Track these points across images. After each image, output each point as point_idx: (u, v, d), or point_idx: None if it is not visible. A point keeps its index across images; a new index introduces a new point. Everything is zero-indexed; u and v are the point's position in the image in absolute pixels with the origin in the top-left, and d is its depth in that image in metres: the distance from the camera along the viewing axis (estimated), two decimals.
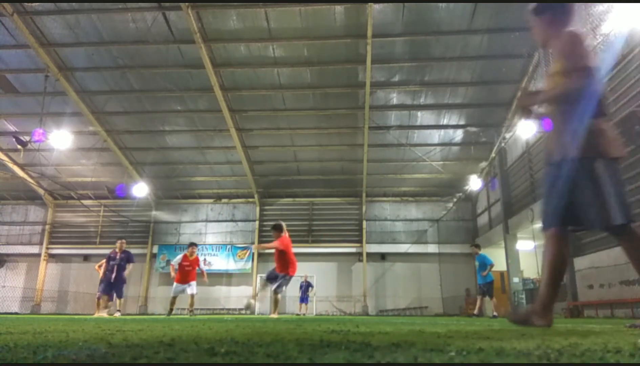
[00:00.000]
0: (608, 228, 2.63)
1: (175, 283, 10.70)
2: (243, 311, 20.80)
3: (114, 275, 10.79)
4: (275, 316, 8.38)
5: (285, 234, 9.08)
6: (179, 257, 10.84)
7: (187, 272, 10.71)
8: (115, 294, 10.94)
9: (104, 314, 10.37)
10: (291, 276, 8.75)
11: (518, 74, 15.52)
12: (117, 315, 10.58)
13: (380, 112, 17.37)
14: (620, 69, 10.10)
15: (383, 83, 16.22)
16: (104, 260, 12.57)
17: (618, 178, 2.60)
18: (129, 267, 11.40)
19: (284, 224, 9.48)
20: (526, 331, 2.23)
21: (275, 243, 8.75)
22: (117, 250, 11.16)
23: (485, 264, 11.12)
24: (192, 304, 11.00)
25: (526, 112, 3.00)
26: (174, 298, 10.67)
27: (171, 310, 10.66)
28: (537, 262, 16.30)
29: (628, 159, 9.87)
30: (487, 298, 11.42)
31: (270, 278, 8.65)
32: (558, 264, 2.75)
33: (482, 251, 12.13)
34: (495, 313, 11.26)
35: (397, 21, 13.85)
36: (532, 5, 3.04)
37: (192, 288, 10.86)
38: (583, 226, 2.77)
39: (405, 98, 16.91)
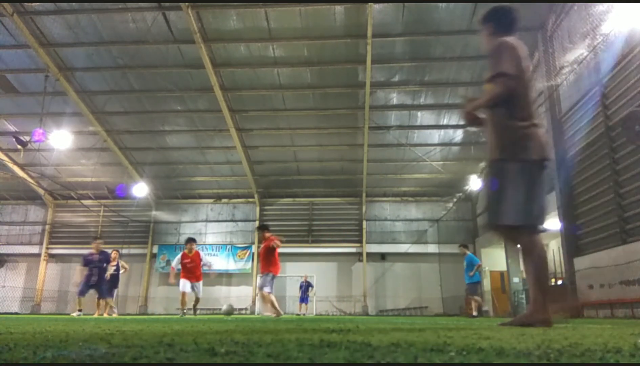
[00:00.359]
0: (494, 229, 2.80)
1: (182, 280, 10.16)
2: (243, 311, 20.80)
3: (95, 278, 10.58)
4: (274, 315, 8.68)
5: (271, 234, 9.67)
6: (178, 257, 10.38)
7: (191, 269, 10.23)
8: (100, 295, 10.81)
9: (74, 314, 10.12)
10: (275, 275, 9.24)
11: None
12: (114, 314, 10.40)
13: (380, 112, 17.37)
14: (620, 69, 10.09)
15: (383, 83, 16.22)
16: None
17: (528, 181, 2.69)
18: (113, 266, 11.43)
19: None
20: (526, 331, 2.23)
21: (276, 241, 9.30)
22: (93, 251, 10.83)
23: (472, 264, 11.24)
24: (197, 302, 10.75)
25: (469, 118, 3.08)
26: (184, 294, 10.12)
27: (185, 308, 10.23)
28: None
29: (628, 159, 9.87)
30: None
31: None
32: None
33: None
34: (474, 313, 11.33)
35: (397, 21, 13.85)
36: (481, 14, 3.24)
37: (199, 289, 10.47)
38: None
39: (405, 98, 16.91)
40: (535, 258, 2.74)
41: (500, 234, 2.87)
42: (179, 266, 10.25)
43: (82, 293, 10.53)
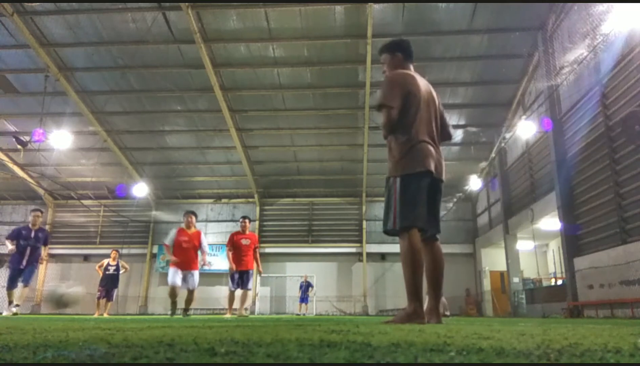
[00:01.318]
0: (387, 233, 3.27)
1: (171, 269, 7.81)
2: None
3: (25, 261, 8.22)
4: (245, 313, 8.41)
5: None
6: (173, 232, 8.05)
7: (187, 252, 7.86)
8: (24, 281, 8.28)
9: (5, 312, 8.34)
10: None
11: (518, 74, 15.52)
12: (15, 311, 8.11)
13: (380, 112, 17.35)
14: (620, 69, 10.09)
15: None
16: (105, 260, 12.53)
17: (408, 191, 3.11)
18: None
19: None
20: (526, 331, 2.23)
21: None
22: (30, 226, 8.45)
23: None
24: (189, 301, 8.30)
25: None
26: (174, 289, 7.79)
27: (174, 306, 8.07)
28: (537, 262, 16.31)
29: (628, 159, 9.87)
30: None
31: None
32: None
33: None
34: (447, 313, 11.42)
35: (397, 21, 13.85)
36: (382, 44, 3.72)
37: (194, 280, 8.06)
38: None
39: None
40: (414, 253, 3.07)
41: (404, 235, 3.14)
42: (172, 244, 7.96)
43: (11, 281, 8.10)
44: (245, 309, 9.28)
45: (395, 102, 3.20)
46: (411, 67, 3.57)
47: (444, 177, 3.43)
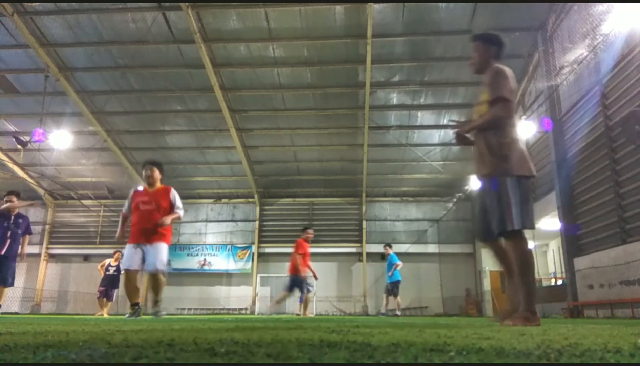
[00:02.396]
0: (502, 234, 3.12)
1: (126, 247, 5.70)
2: (243, 312, 20.81)
3: (5, 250, 7.24)
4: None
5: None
6: (129, 196, 5.99)
7: (146, 216, 5.66)
8: (2, 282, 7.31)
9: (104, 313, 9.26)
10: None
11: (518, 74, 15.50)
12: None
13: (380, 112, 17.37)
14: (620, 69, 10.09)
15: (383, 83, 16.22)
16: (106, 260, 12.56)
17: (522, 193, 3.08)
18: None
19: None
20: (526, 331, 2.23)
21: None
22: (11, 212, 7.50)
23: (391, 263, 11.48)
24: (156, 287, 5.76)
25: (461, 139, 3.59)
26: (129, 276, 5.61)
27: (134, 303, 5.73)
28: (537, 262, 16.30)
29: (628, 159, 9.87)
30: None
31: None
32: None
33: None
34: (398, 312, 11.50)
35: (397, 21, 13.85)
36: (476, 33, 3.70)
37: (159, 256, 5.60)
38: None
39: (405, 98, 16.91)
40: (529, 257, 3.09)
41: (512, 240, 3.09)
42: (128, 209, 5.92)
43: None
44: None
45: (512, 96, 3.16)
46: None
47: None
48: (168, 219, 5.68)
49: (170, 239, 5.91)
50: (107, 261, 12.64)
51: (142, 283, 5.58)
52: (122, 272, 5.77)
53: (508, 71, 3.27)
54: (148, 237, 5.62)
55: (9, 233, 7.29)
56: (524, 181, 3.12)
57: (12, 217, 7.47)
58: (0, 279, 7.19)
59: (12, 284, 7.39)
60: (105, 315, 11.55)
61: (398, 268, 11.47)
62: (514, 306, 3.16)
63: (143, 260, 5.60)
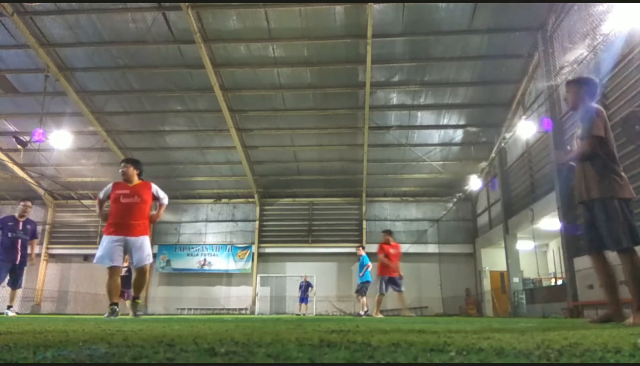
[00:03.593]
0: (618, 250, 3.59)
1: (104, 239, 5.41)
2: (243, 312, 20.81)
3: (17, 256, 7.50)
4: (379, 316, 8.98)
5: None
6: (109, 186, 5.69)
7: (128, 209, 5.47)
8: (13, 284, 7.64)
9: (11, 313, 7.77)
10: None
11: (518, 74, 15.52)
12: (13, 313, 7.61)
13: (380, 112, 17.37)
14: (621, 69, 10.09)
15: (383, 83, 16.22)
16: None
17: (626, 214, 3.51)
18: (33, 245, 7.89)
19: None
20: (526, 331, 2.23)
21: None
22: (17, 217, 7.63)
23: (362, 264, 11.51)
24: (138, 285, 5.76)
25: (562, 165, 4.24)
26: (112, 273, 5.35)
27: (114, 302, 5.39)
28: (537, 262, 16.30)
29: (628, 159, 9.87)
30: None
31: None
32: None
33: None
34: (361, 312, 11.54)
35: (397, 21, 13.85)
36: (573, 76, 4.20)
37: (143, 251, 5.46)
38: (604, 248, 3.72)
39: (405, 98, 16.91)
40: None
41: (627, 257, 3.59)
42: (105, 199, 5.66)
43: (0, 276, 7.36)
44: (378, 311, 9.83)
45: (600, 132, 3.66)
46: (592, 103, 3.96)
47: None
48: (161, 212, 5.78)
49: (149, 231, 5.78)
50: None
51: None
52: (108, 268, 5.36)
53: (602, 110, 3.77)
54: (131, 230, 5.41)
55: (19, 242, 7.47)
56: (628, 202, 3.62)
57: (21, 223, 7.59)
58: (12, 283, 7.52)
59: (20, 287, 7.67)
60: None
61: (369, 269, 11.59)
62: (612, 309, 3.93)
63: (121, 255, 5.44)
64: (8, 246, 7.39)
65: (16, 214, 7.63)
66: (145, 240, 5.53)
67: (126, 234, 5.38)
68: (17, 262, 7.44)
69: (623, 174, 3.71)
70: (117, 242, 5.34)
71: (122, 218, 5.41)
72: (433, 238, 21.50)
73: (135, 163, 5.80)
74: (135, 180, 5.73)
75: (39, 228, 22.72)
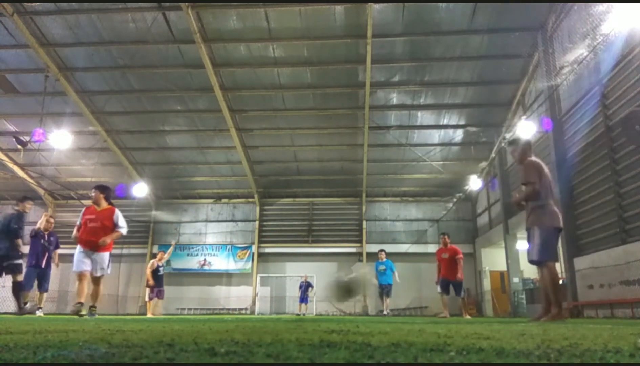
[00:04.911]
0: (532, 263, 5.05)
1: (77, 248, 6.56)
2: (243, 312, 20.81)
3: (44, 260, 8.74)
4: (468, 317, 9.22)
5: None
6: (82, 212, 6.83)
7: (93, 233, 6.51)
8: (40, 287, 8.78)
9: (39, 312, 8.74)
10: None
11: (518, 74, 15.52)
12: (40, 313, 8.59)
13: (380, 112, 17.37)
14: (620, 69, 10.09)
15: (383, 83, 16.22)
16: (154, 262, 12.67)
17: (548, 238, 4.83)
18: (55, 255, 9.09)
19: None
20: (526, 331, 2.23)
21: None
22: (43, 230, 8.86)
23: (391, 268, 12.58)
24: (95, 295, 6.66)
25: (516, 204, 5.25)
26: (82, 277, 6.46)
27: (79, 302, 6.48)
28: None
29: (628, 159, 9.87)
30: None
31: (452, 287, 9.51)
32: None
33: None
34: (385, 312, 12.31)
35: (397, 21, 13.85)
36: (509, 141, 5.65)
37: (102, 263, 6.54)
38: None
39: (405, 98, 16.91)
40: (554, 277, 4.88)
41: (545, 266, 4.86)
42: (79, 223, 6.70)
43: (30, 281, 8.39)
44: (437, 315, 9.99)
45: (536, 179, 4.89)
46: (532, 154, 5.25)
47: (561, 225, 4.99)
48: (108, 239, 6.57)
49: (111, 248, 6.79)
50: (155, 262, 12.81)
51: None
52: (76, 274, 6.52)
53: (535, 162, 5.05)
54: (93, 247, 6.51)
55: (46, 253, 8.74)
56: (552, 231, 4.86)
57: (46, 235, 8.86)
58: (40, 286, 8.69)
59: (47, 290, 8.88)
60: (153, 314, 12.07)
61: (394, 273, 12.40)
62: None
63: (90, 262, 6.52)
64: (39, 255, 8.61)
65: (41, 227, 8.80)
66: (105, 256, 6.63)
67: (90, 249, 6.50)
68: (43, 266, 8.64)
69: (552, 208, 4.92)
70: (84, 254, 6.52)
71: (88, 237, 6.53)
72: (433, 238, 21.49)
73: (102, 189, 6.86)
74: (103, 204, 6.76)
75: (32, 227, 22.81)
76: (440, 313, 9.90)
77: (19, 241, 7.92)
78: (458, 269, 9.50)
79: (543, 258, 4.82)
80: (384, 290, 12.39)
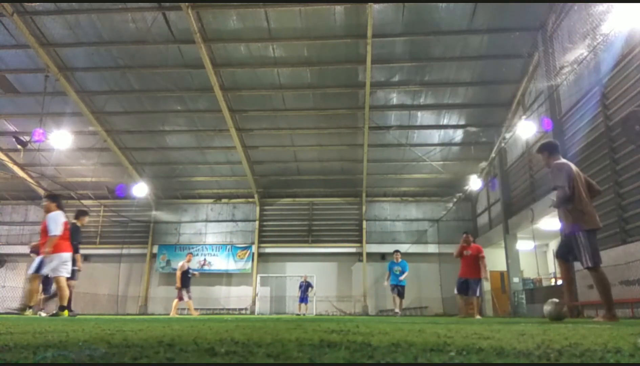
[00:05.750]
0: (588, 269, 4.87)
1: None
2: (243, 312, 20.81)
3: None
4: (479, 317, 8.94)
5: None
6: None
7: (41, 238, 7.22)
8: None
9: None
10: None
11: (518, 74, 15.52)
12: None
13: (380, 112, 17.37)
14: (620, 69, 10.09)
15: (383, 83, 16.22)
16: (184, 265, 12.75)
17: (592, 242, 4.75)
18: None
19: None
20: (526, 331, 2.23)
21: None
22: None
23: (405, 269, 12.48)
24: (58, 293, 6.96)
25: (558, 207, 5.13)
26: (33, 277, 7.04)
27: (25, 304, 7.30)
28: (537, 262, 16.31)
29: (628, 159, 9.87)
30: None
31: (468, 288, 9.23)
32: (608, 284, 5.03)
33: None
34: (399, 312, 12.22)
35: (397, 21, 13.85)
36: (537, 149, 5.47)
37: (51, 264, 6.88)
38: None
39: (405, 98, 16.91)
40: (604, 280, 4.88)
41: (596, 270, 4.84)
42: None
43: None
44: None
45: (565, 182, 4.79)
46: (560, 156, 5.21)
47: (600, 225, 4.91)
48: (40, 243, 7.12)
49: (62, 248, 7.02)
50: (185, 264, 12.85)
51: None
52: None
53: (561, 164, 4.97)
54: (43, 252, 6.95)
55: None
56: (592, 232, 4.77)
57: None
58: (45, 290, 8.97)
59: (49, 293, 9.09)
60: (195, 314, 12.44)
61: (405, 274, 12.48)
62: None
63: (39, 265, 6.97)
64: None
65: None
66: (55, 257, 6.89)
67: (42, 253, 6.94)
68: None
69: (589, 208, 4.85)
70: (38, 259, 7.06)
71: (39, 243, 7.24)
72: (433, 238, 21.49)
73: (49, 198, 7.37)
74: (52, 207, 7.17)
75: (39, 228, 22.84)
76: (462, 314, 9.74)
77: (78, 256, 8.79)
78: (481, 268, 9.35)
79: (598, 262, 4.73)
80: (398, 291, 12.32)
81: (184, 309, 20.98)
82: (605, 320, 4.71)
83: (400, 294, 12.22)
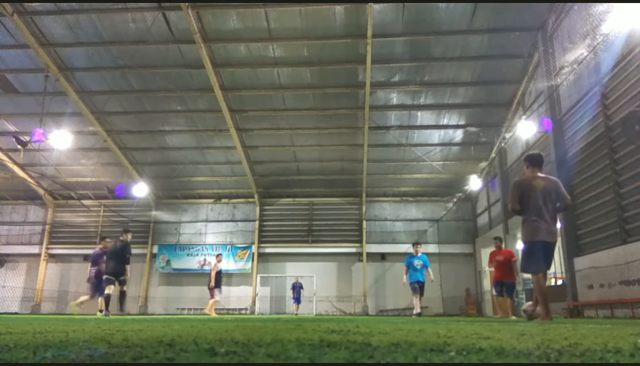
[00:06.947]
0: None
1: None
2: (243, 312, 20.81)
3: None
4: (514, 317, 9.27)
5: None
6: None
7: None
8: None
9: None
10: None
11: (518, 74, 15.52)
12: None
13: (380, 112, 17.37)
14: (620, 69, 10.09)
15: (383, 83, 16.22)
16: (217, 265, 12.91)
17: (531, 252, 5.43)
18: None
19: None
20: (526, 331, 2.23)
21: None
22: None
23: (427, 264, 11.85)
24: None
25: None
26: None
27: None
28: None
29: (628, 159, 9.87)
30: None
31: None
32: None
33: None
34: (419, 311, 11.74)
35: (397, 21, 13.85)
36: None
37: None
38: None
39: (405, 98, 16.91)
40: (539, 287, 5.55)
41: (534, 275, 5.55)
42: None
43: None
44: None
45: (512, 199, 5.54)
46: (537, 171, 5.61)
47: (554, 239, 5.43)
48: None
49: None
50: (218, 265, 12.88)
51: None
52: None
53: (516, 183, 5.63)
54: None
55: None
56: (531, 243, 5.40)
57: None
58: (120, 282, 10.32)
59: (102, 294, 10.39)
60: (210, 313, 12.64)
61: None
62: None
63: None
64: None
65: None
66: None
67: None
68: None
69: (538, 223, 5.36)
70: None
71: None
72: (433, 238, 21.49)
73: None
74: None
75: (39, 228, 22.91)
76: (496, 315, 10.18)
77: (128, 266, 10.25)
78: (513, 272, 9.89)
79: (524, 270, 5.57)
80: (419, 288, 11.36)
81: (185, 309, 21.02)
82: (542, 319, 5.48)
83: (422, 292, 11.46)
